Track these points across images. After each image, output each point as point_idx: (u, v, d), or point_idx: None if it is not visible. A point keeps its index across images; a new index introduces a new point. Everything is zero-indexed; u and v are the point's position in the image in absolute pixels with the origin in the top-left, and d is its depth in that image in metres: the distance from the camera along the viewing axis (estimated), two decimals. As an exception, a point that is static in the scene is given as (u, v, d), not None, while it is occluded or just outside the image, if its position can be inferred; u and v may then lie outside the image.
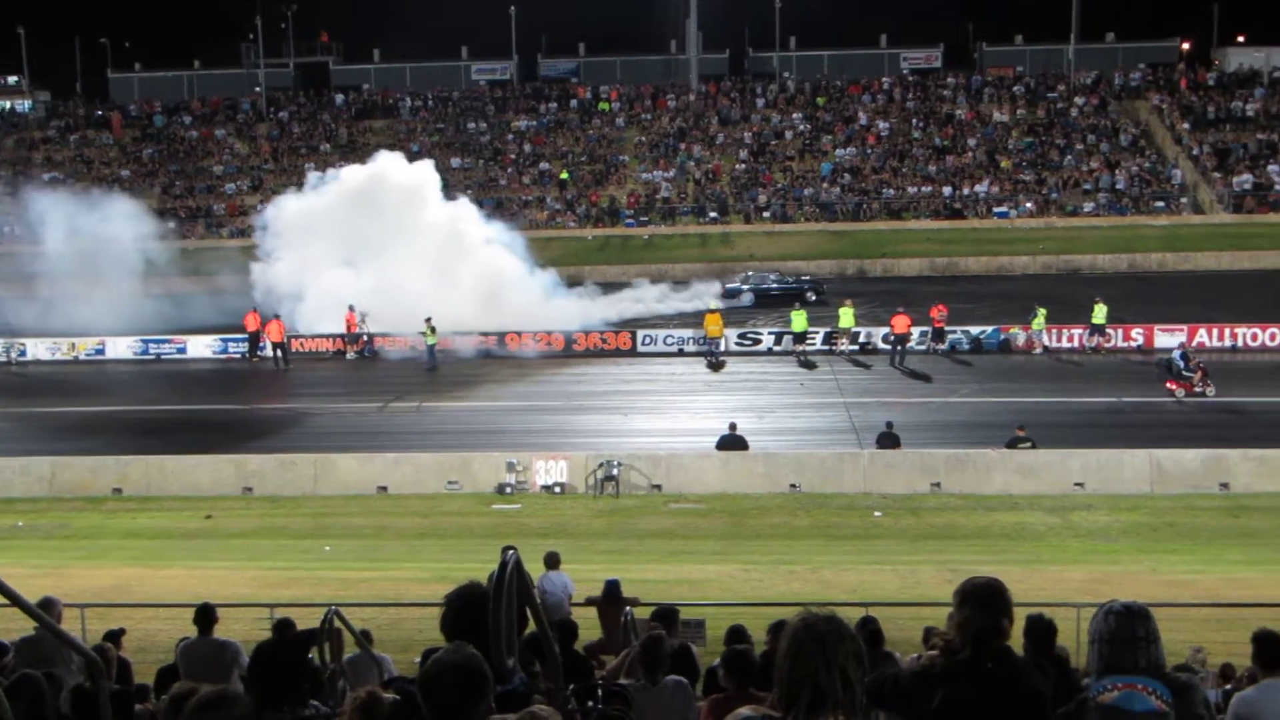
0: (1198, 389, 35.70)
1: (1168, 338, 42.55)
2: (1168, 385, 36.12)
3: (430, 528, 27.17)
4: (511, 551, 5.32)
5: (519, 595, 5.26)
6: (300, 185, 52.48)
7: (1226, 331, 42.85)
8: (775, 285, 52.50)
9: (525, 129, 76.48)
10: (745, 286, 52.70)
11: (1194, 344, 42.23)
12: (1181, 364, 36.08)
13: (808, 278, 54.11)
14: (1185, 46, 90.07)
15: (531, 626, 6.06)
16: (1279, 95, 73.89)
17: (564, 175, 71.01)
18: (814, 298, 50.50)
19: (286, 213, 49.02)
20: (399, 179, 49.38)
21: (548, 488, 29.16)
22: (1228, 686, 10.76)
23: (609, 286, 52.96)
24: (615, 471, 28.90)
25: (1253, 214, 64.63)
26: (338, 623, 10.94)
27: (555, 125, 77.12)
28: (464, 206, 51.54)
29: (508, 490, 28.94)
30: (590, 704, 7.20)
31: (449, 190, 54.21)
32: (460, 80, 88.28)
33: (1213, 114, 72.53)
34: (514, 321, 45.15)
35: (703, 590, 20.48)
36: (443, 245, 46.61)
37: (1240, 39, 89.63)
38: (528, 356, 43.79)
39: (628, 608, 14.54)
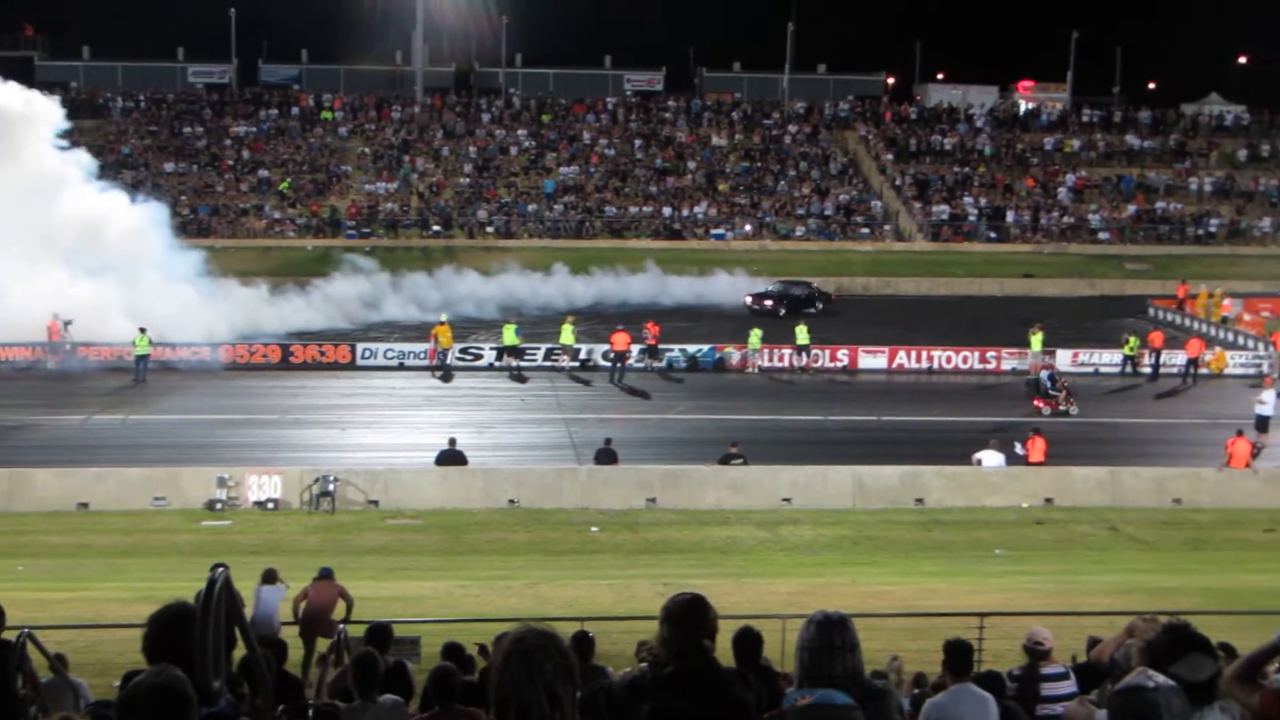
0: (1062, 407, 38.15)
1: (870, 359, 44.72)
2: (1035, 403, 38.52)
3: (134, 546, 26.06)
4: (220, 569, 5.20)
5: (228, 615, 5.16)
6: None
7: (924, 354, 45.27)
8: (779, 293, 54.80)
9: (244, 135, 74.22)
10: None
11: (894, 364, 44.53)
12: (1049, 384, 38.64)
13: (816, 289, 56.08)
14: (890, 81, 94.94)
15: (241, 647, 5.94)
16: (974, 131, 78.55)
17: (284, 186, 69.17)
18: (820, 307, 53.73)
19: None
20: None
21: (260, 504, 28.35)
22: (917, 691, 11.35)
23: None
24: (331, 487, 28.32)
25: (949, 243, 68.45)
26: (30, 647, 10.38)
27: (276, 132, 75.14)
28: (77, 162, 46.41)
29: (218, 506, 28.01)
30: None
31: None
32: (176, 82, 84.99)
33: (914, 147, 76.52)
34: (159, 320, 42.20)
35: (420, 607, 20.32)
36: (42, 213, 42.38)
37: (940, 76, 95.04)
38: (241, 368, 42.48)
39: (340, 625, 14.35)
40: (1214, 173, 75.34)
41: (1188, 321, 52.81)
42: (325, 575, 17.79)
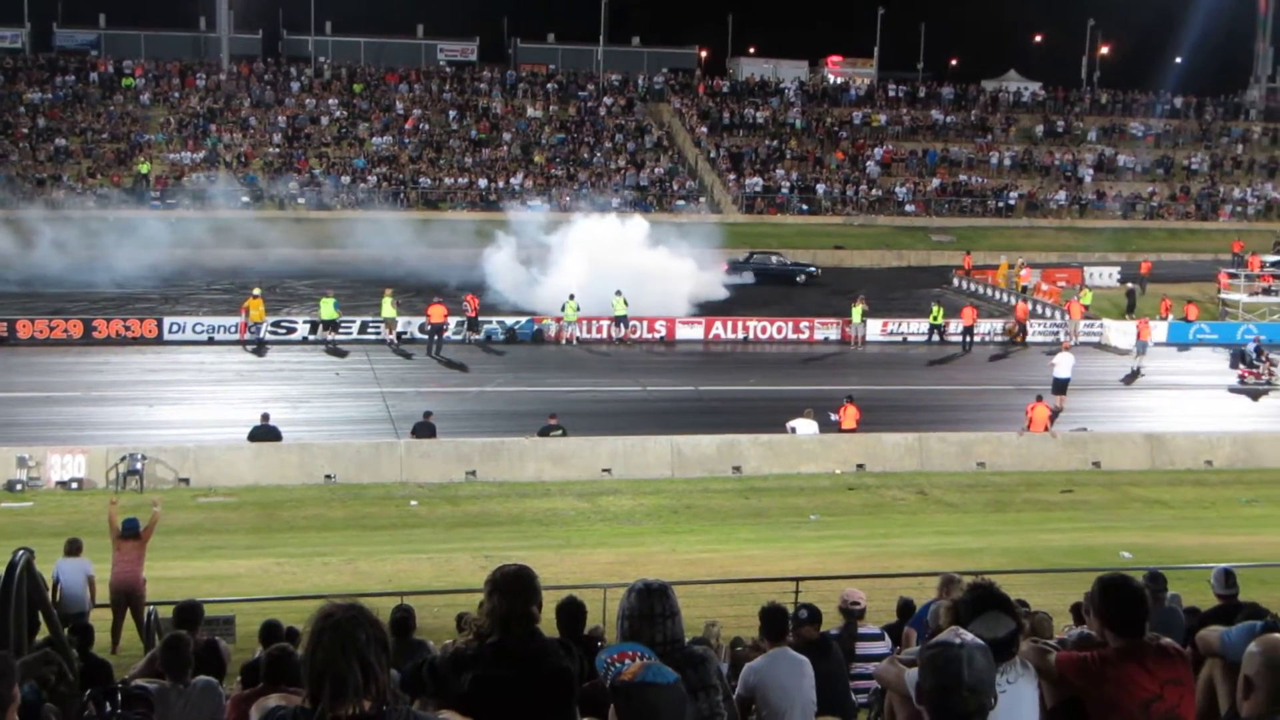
0: (1265, 378, 40.86)
1: (687, 329, 45.26)
2: (1240, 373, 41.34)
3: (-73, 530, 24.90)
4: (21, 552, 5.02)
5: (30, 598, 4.98)
6: None
7: (739, 324, 45.97)
8: (775, 267, 57.31)
9: (39, 102, 71.08)
10: (749, 265, 56.76)
11: (710, 335, 45.14)
12: (1254, 355, 41.50)
13: (806, 263, 59.23)
14: (703, 54, 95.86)
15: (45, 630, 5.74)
16: (785, 105, 79.81)
17: (144, 168, 66.15)
18: (803, 280, 56.48)
19: None
20: None
21: (64, 484, 27.39)
22: (739, 649, 11.57)
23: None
24: (139, 465, 27.51)
25: (763, 214, 69.56)
26: None
27: (73, 99, 72.13)
28: None
29: (18, 487, 26.98)
30: (110, 708, 6.91)
31: None
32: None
33: (727, 119, 77.39)
34: None
35: (234, 585, 19.93)
36: None
37: (752, 50, 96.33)
38: (42, 343, 40.80)
39: (150, 606, 13.98)
40: (1012, 147, 78.04)
41: (989, 291, 54.60)
42: (130, 533, 17.26)
